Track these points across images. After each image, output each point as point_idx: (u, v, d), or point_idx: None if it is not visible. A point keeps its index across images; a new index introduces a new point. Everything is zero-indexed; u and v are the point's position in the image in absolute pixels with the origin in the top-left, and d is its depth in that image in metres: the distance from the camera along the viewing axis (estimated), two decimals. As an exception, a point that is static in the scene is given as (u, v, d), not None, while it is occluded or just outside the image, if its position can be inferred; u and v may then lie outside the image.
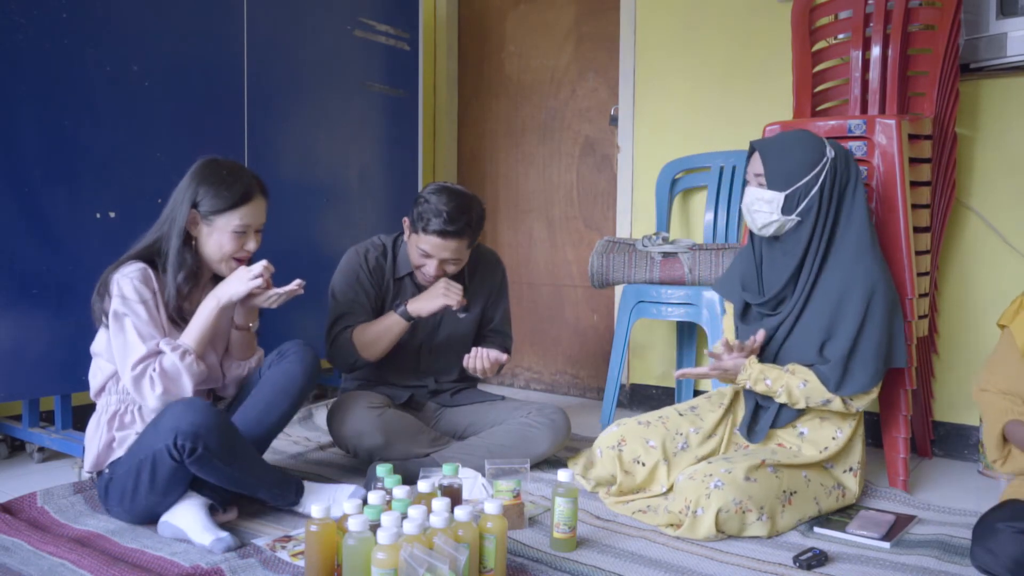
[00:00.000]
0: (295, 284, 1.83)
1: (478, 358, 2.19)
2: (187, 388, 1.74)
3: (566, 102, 3.47)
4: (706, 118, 2.99)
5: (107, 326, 1.77)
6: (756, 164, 1.95)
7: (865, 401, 1.91)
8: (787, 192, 1.89)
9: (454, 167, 3.81)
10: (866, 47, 2.35)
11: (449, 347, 2.37)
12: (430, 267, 2.21)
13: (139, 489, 1.71)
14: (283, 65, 2.81)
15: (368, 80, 3.14)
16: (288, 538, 1.74)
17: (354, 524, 1.40)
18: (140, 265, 1.78)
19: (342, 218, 3.06)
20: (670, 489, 1.96)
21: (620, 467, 1.98)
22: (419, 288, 2.31)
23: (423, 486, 1.65)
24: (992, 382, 1.81)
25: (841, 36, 2.45)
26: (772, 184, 1.91)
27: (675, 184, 2.99)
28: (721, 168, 2.86)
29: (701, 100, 3.01)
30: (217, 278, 1.91)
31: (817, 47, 2.50)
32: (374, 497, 1.56)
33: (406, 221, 2.28)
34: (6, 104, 2.14)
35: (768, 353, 1.99)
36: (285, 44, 2.82)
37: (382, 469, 1.78)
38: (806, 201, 1.90)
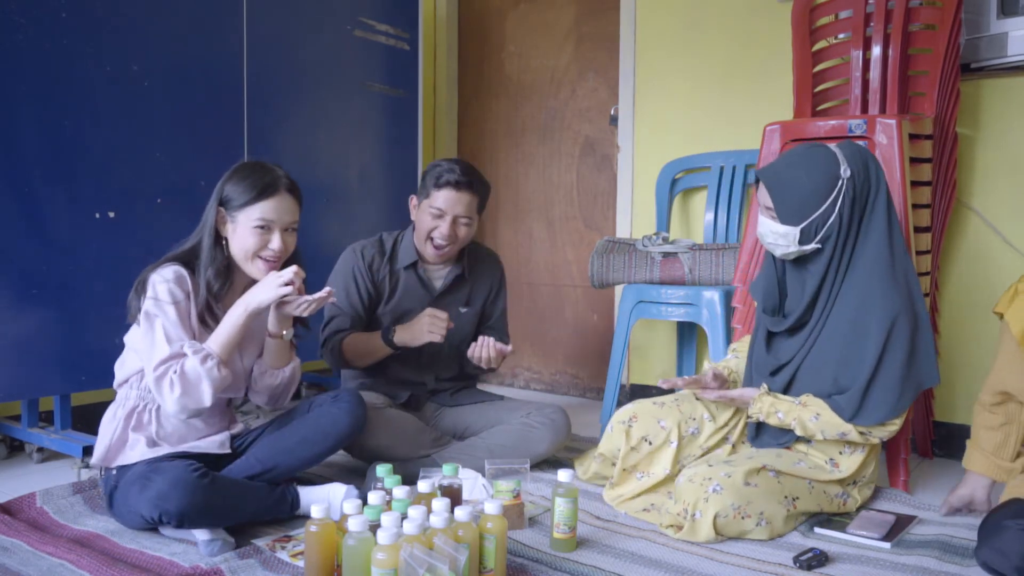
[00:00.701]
0: (324, 292, 1.80)
1: (483, 347, 2.19)
2: (206, 394, 1.71)
3: (566, 102, 3.47)
4: (706, 118, 2.99)
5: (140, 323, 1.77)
6: (764, 196, 1.82)
7: (886, 432, 1.80)
8: (802, 226, 1.77)
9: (454, 167, 3.81)
10: (866, 47, 2.35)
11: (450, 344, 2.37)
12: (444, 226, 2.22)
13: (138, 519, 1.73)
14: (283, 65, 2.81)
15: (368, 80, 3.14)
16: (288, 538, 1.74)
17: (354, 524, 1.40)
18: (176, 267, 1.77)
19: (342, 218, 3.06)
20: (672, 476, 1.95)
21: (626, 442, 1.95)
22: (422, 281, 2.32)
23: (423, 486, 1.65)
24: (991, 384, 1.85)
25: (841, 36, 2.45)
26: (784, 219, 1.78)
27: (675, 184, 2.99)
28: (721, 168, 2.86)
29: (701, 100, 3.00)
30: (255, 284, 1.91)
31: (817, 47, 2.49)
32: (374, 497, 1.56)
33: (413, 199, 2.32)
34: (6, 104, 2.13)
35: (783, 377, 1.92)
36: (285, 44, 2.82)
37: (382, 469, 1.78)
38: (824, 229, 1.78)
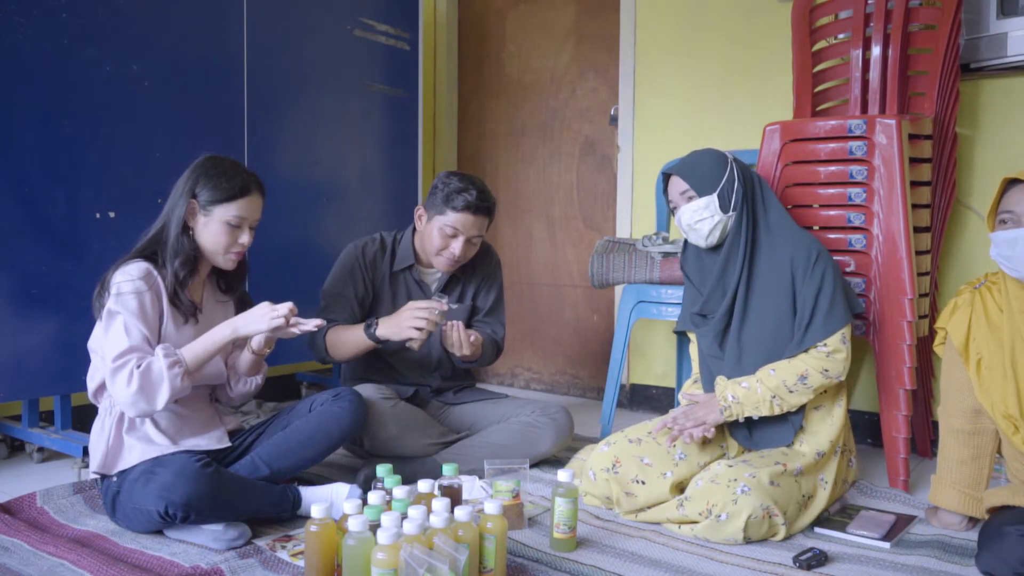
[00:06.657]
0: (315, 323, 1.83)
1: (451, 329, 2.14)
2: (162, 398, 1.70)
3: (566, 102, 3.47)
4: (706, 118, 2.99)
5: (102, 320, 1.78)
6: (678, 184, 2.00)
7: (841, 364, 1.88)
8: (718, 192, 1.95)
9: (454, 167, 3.81)
10: (866, 47, 2.35)
11: (439, 342, 2.36)
12: (456, 246, 2.22)
13: (143, 519, 1.73)
14: (283, 65, 2.81)
15: (368, 80, 3.14)
16: (288, 538, 1.74)
17: (354, 524, 1.40)
18: (142, 264, 1.79)
19: (342, 218, 3.06)
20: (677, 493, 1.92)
21: (620, 489, 1.89)
22: (419, 283, 2.34)
23: (423, 486, 1.65)
24: (947, 411, 1.82)
25: (841, 36, 2.45)
26: (701, 191, 1.96)
27: (675, 184, 2.99)
28: (721, 168, 2.86)
29: (701, 100, 3.00)
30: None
31: (817, 47, 2.50)
32: (374, 497, 1.56)
33: (419, 211, 2.30)
34: (6, 104, 2.14)
35: (730, 354, 1.98)
36: (285, 44, 2.82)
37: (382, 469, 1.78)
38: (735, 195, 1.96)
